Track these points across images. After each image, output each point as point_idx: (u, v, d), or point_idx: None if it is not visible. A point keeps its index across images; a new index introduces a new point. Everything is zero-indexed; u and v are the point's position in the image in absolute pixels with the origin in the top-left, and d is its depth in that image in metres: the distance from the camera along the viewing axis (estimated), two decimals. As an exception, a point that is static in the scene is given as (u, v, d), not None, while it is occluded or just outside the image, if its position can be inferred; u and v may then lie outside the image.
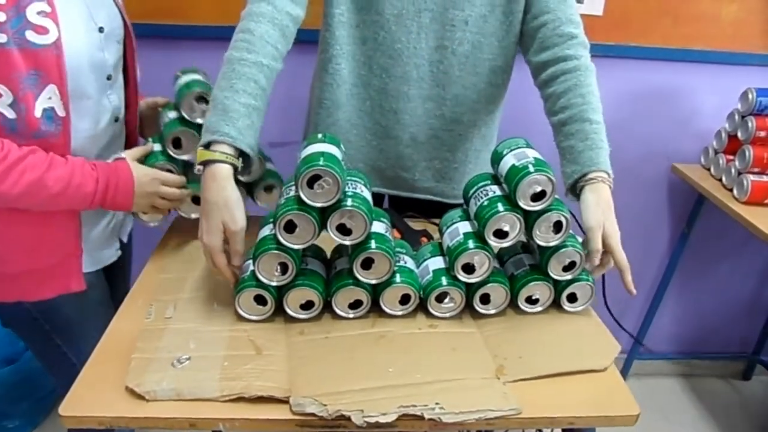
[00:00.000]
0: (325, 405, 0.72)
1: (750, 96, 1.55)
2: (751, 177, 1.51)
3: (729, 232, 1.89)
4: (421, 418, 0.72)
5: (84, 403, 0.73)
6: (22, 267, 0.97)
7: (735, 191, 1.56)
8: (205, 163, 0.85)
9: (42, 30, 0.83)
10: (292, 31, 0.98)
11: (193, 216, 1.07)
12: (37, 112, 0.85)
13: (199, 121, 1.02)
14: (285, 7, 0.95)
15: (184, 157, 1.05)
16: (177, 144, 1.04)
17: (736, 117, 1.61)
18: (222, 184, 0.84)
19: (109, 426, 0.72)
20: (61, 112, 0.88)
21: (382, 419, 0.71)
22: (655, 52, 1.64)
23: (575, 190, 0.94)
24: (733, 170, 1.58)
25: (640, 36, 1.61)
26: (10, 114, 0.84)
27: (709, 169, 1.72)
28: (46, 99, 0.85)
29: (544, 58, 1.01)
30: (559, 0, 1.01)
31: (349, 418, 0.71)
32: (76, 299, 1.02)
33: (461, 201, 1.08)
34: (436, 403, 0.73)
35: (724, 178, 1.63)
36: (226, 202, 0.84)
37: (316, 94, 1.17)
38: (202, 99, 1.03)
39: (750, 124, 1.55)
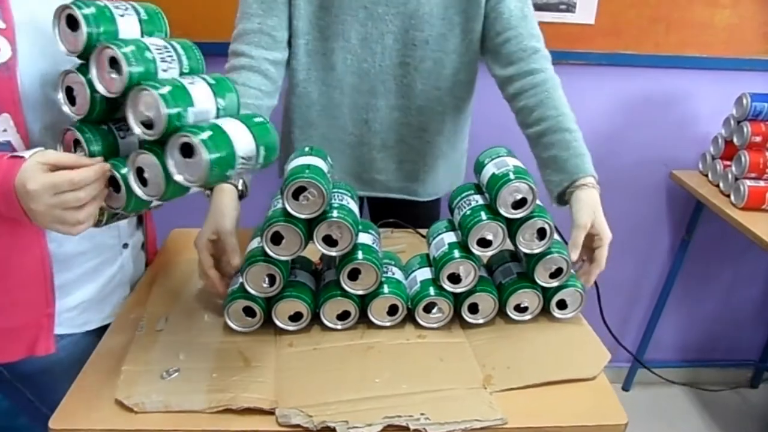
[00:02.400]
0: (310, 416, 0.73)
1: (744, 101, 1.55)
2: (748, 182, 1.50)
3: (730, 237, 1.88)
4: (406, 428, 0.72)
5: (74, 416, 0.74)
6: None
7: (732, 197, 1.55)
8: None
9: None
10: (276, 72, 1.07)
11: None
12: None
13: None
14: (261, 54, 1.04)
15: (77, 116, 0.72)
16: (70, 95, 0.72)
17: (732, 122, 1.61)
18: (218, 195, 0.92)
19: (97, 438, 0.73)
20: (20, 148, 0.75)
21: (367, 430, 0.71)
22: (649, 60, 1.65)
23: (563, 197, 0.98)
24: (730, 176, 1.58)
25: (633, 44, 1.62)
26: None
27: (707, 175, 1.71)
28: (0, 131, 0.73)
29: (510, 72, 1.06)
30: (520, 17, 1.05)
31: (334, 429, 0.71)
32: (47, 362, 0.89)
33: (433, 199, 1.28)
34: (422, 414, 0.74)
35: (721, 184, 1.63)
36: (219, 208, 0.91)
37: (288, 115, 1.23)
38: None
39: (745, 130, 1.54)
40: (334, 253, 0.85)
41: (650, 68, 1.67)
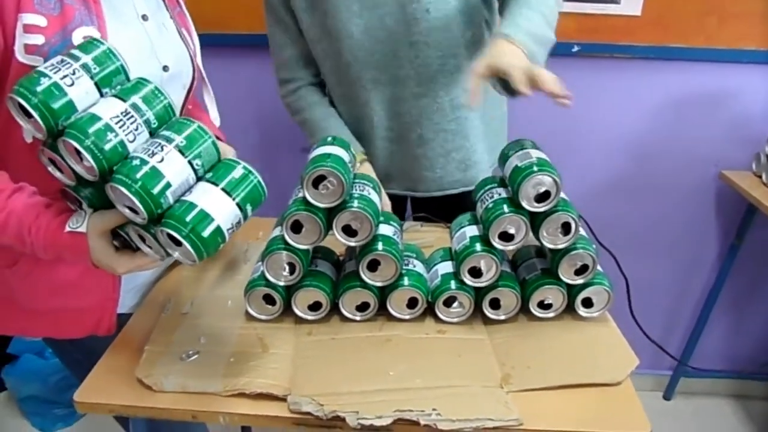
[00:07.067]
0: (321, 405, 0.73)
1: (804, 98, 1.45)
2: (805, 184, 1.41)
3: (784, 243, 1.77)
4: (416, 423, 0.71)
5: (97, 391, 0.77)
6: (52, 306, 0.91)
7: (787, 200, 1.46)
8: None
9: None
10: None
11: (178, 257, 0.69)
12: None
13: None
14: (306, 75, 1.18)
15: (70, 182, 0.71)
16: (55, 165, 0.70)
17: (790, 120, 1.51)
18: None
19: (118, 413, 0.76)
20: None
21: (377, 422, 0.71)
22: (700, 53, 1.56)
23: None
24: (785, 177, 1.48)
25: (683, 36, 1.54)
26: None
27: (760, 177, 1.61)
28: None
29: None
30: None
31: (343, 419, 0.71)
32: (108, 338, 0.93)
33: None
34: (433, 409, 0.72)
35: (775, 186, 1.53)
36: None
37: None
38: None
39: (804, 128, 1.44)
40: (353, 244, 0.85)
41: (701, 62, 1.58)
